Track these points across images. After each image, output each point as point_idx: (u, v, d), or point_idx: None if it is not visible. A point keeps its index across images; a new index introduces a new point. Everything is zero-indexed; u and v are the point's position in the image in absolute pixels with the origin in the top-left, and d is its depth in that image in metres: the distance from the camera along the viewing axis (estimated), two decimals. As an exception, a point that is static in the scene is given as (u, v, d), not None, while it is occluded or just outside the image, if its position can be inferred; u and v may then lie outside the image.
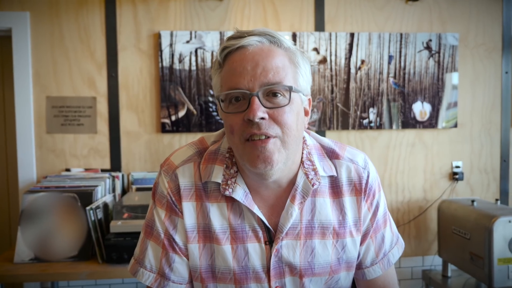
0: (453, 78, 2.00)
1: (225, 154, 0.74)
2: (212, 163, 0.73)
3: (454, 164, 2.04)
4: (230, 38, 0.68)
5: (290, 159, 0.68)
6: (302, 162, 0.73)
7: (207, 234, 0.72)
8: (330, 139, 0.80)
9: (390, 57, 1.96)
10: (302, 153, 0.74)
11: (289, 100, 0.65)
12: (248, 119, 0.63)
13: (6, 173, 2.01)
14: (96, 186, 1.60)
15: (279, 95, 0.65)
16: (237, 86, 0.64)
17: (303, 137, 0.75)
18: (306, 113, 0.72)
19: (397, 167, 2.01)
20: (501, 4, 2.05)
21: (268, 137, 0.64)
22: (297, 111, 0.67)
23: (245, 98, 0.64)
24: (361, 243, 0.77)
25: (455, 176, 2.02)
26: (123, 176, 1.84)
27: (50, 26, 1.82)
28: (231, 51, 0.67)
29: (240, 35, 0.67)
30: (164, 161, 0.77)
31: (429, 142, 2.03)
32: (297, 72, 0.68)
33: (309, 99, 0.73)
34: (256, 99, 0.63)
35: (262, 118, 0.63)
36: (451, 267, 1.87)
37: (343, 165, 0.75)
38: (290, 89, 0.65)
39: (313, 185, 0.71)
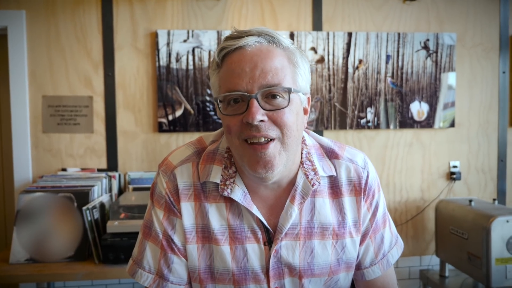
0: (450, 78, 2.00)
1: (223, 154, 0.73)
2: (210, 163, 0.73)
3: (452, 164, 2.04)
4: (228, 38, 0.67)
5: (290, 160, 0.68)
6: (301, 162, 0.73)
7: (205, 234, 0.72)
8: (329, 139, 0.79)
9: (387, 57, 1.96)
10: (302, 153, 0.73)
11: (289, 102, 0.64)
12: (247, 122, 0.62)
13: (1, 172, 1.99)
14: (93, 186, 1.59)
15: (278, 96, 0.64)
16: (235, 88, 0.63)
17: (302, 137, 0.75)
18: (305, 112, 0.72)
19: (395, 166, 2.01)
20: (498, 4, 2.05)
21: (268, 141, 0.64)
22: (296, 112, 0.66)
23: (243, 100, 0.64)
24: (360, 243, 0.76)
25: (452, 176, 2.02)
26: (119, 176, 1.83)
27: (46, 25, 1.80)
28: (229, 51, 0.66)
29: (238, 35, 0.66)
30: (162, 161, 0.76)
31: (427, 142, 2.03)
32: (296, 72, 0.67)
33: (308, 98, 0.72)
34: (255, 102, 0.62)
35: (261, 121, 0.63)
36: (448, 267, 1.88)
37: (343, 165, 0.75)
38: (289, 91, 0.64)
39: (313, 185, 0.71)
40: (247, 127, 0.63)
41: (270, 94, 0.64)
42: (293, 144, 0.66)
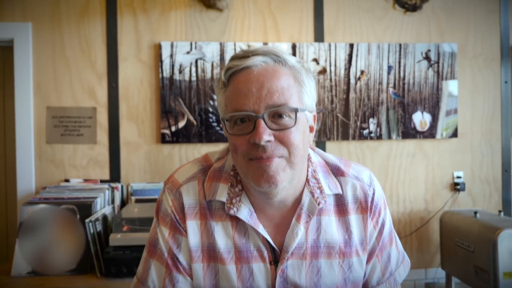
0: (452, 88, 2.00)
1: (229, 172, 0.73)
2: (216, 181, 0.73)
3: (455, 174, 2.03)
4: (234, 58, 0.68)
5: (296, 177, 0.68)
6: (307, 180, 0.73)
7: (211, 253, 0.71)
8: (335, 156, 0.79)
9: (389, 68, 1.97)
10: (307, 170, 0.73)
11: (295, 121, 0.65)
12: (254, 142, 0.63)
13: (5, 183, 1.99)
14: (95, 197, 1.59)
15: (285, 116, 0.64)
16: (242, 108, 0.64)
17: (308, 154, 0.75)
18: (311, 130, 0.72)
19: (398, 177, 2.00)
20: (499, 15, 2.06)
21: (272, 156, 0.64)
22: (303, 131, 0.67)
23: (250, 120, 0.64)
24: (367, 262, 0.76)
25: (456, 187, 2.01)
26: (122, 187, 1.82)
27: (51, 37, 1.82)
28: (235, 71, 0.66)
29: (244, 55, 0.66)
30: (168, 179, 0.76)
31: (430, 152, 2.02)
32: (302, 91, 0.68)
33: (314, 116, 0.73)
34: (262, 122, 0.63)
35: (268, 141, 0.63)
36: (454, 280, 1.85)
37: (349, 183, 0.74)
38: (295, 111, 0.65)
39: (318, 204, 0.70)
40: (254, 147, 0.64)
41: (276, 114, 0.64)
42: (299, 162, 0.66)
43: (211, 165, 0.76)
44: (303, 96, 0.67)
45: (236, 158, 0.67)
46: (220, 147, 1.88)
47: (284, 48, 1.91)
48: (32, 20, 1.81)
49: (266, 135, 0.62)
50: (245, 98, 0.64)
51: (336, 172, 0.76)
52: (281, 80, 0.65)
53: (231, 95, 0.66)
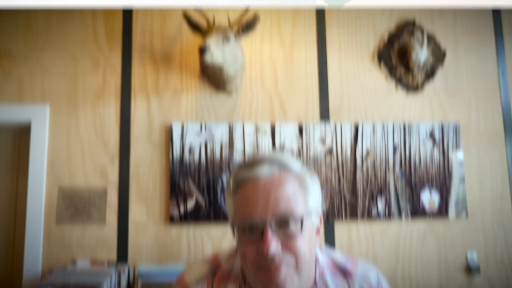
0: (459, 168, 2.01)
1: (238, 274, 0.75)
2: (225, 282, 0.75)
3: (469, 256, 1.97)
4: (242, 167, 0.73)
5: (303, 282, 0.70)
6: (315, 282, 0.74)
7: None
8: (342, 254, 0.82)
9: (394, 147, 2.00)
10: (315, 272, 0.75)
11: (301, 229, 0.68)
12: (262, 252, 0.65)
13: (11, 266, 1.98)
14: (102, 282, 1.57)
15: (291, 223, 0.68)
16: (250, 216, 0.68)
17: (315, 256, 0.77)
18: (318, 232, 0.75)
19: (410, 259, 1.95)
20: (499, 93, 2.13)
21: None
22: (309, 237, 0.70)
23: (257, 229, 0.68)
24: None
25: (471, 269, 1.94)
26: (129, 270, 1.80)
27: (67, 118, 1.91)
28: (244, 181, 0.71)
29: (251, 164, 0.72)
30: (178, 279, 0.78)
31: (441, 233, 1.98)
32: (307, 195, 0.72)
33: (320, 217, 0.76)
34: (269, 231, 0.66)
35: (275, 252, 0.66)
36: None
37: (357, 284, 0.76)
38: (301, 219, 0.68)
39: None
40: (262, 256, 0.66)
41: (283, 222, 0.68)
42: (306, 268, 0.69)
43: (220, 265, 0.78)
44: (308, 200, 0.72)
45: (245, 264, 0.69)
46: (227, 228, 1.88)
47: (291, 129, 1.97)
48: (50, 101, 1.91)
49: (274, 245, 0.65)
50: (253, 206, 0.68)
51: (344, 272, 0.78)
52: (286, 187, 0.69)
53: (240, 202, 0.70)
